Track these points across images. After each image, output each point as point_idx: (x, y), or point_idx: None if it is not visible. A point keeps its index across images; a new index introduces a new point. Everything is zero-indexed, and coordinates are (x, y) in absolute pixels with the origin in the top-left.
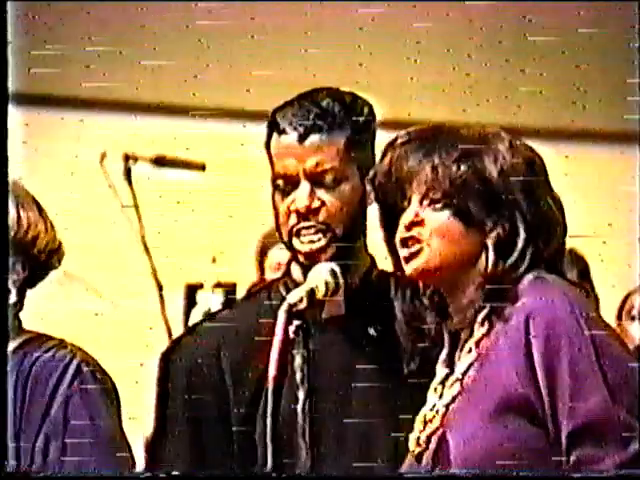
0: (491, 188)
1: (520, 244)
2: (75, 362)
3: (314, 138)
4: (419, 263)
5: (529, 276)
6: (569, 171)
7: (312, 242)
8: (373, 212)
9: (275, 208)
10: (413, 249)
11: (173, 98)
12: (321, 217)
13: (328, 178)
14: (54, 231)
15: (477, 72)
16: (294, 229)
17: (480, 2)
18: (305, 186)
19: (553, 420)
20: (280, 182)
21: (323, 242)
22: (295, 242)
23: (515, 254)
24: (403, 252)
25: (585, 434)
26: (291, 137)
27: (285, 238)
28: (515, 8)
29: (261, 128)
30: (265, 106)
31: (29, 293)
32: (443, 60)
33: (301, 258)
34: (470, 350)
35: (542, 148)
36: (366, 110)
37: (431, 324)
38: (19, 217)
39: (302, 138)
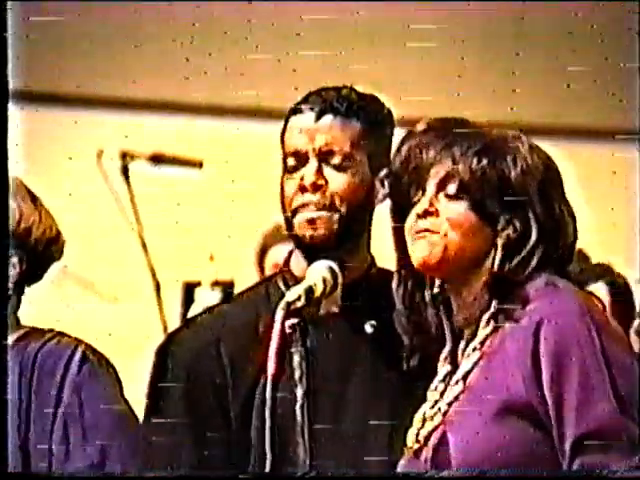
0: (509, 186)
1: (530, 245)
2: (80, 349)
3: (328, 119)
4: (429, 254)
5: (540, 280)
6: (568, 170)
7: (312, 222)
8: (378, 213)
9: (282, 191)
10: (424, 241)
11: (170, 95)
12: (326, 194)
13: (336, 159)
14: (50, 219)
15: (476, 71)
16: (297, 205)
17: (480, 2)
18: (313, 163)
19: (558, 426)
20: (290, 160)
21: (322, 230)
22: (296, 225)
23: (523, 254)
24: (414, 243)
25: (591, 441)
26: (306, 116)
27: (288, 218)
28: (515, 8)
29: (260, 125)
30: (263, 103)
31: (27, 290)
32: (443, 58)
33: (301, 244)
34: (474, 349)
35: (543, 147)
36: (385, 110)
37: (432, 319)
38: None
39: (317, 117)
